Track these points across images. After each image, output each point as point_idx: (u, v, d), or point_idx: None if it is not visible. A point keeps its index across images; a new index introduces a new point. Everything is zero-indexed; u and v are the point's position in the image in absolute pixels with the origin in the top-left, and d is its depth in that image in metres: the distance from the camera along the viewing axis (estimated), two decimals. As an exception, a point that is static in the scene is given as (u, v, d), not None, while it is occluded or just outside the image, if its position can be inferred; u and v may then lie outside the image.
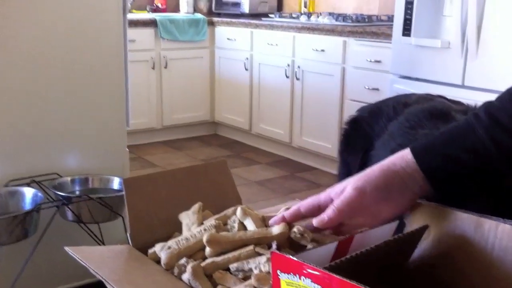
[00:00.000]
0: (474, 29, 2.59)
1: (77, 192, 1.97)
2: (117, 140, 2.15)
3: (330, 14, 4.03)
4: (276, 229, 0.83)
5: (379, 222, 0.81)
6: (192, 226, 0.91)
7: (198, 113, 4.64)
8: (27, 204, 1.83)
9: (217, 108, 4.68)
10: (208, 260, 0.83)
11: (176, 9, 4.97)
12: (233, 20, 4.40)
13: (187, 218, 0.94)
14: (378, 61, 3.29)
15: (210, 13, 4.97)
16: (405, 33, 2.94)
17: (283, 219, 0.84)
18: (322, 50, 3.64)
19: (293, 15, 4.23)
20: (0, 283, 1.91)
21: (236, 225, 0.88)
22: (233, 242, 0.83)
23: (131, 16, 4.17)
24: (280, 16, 4.27)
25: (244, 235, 0.84)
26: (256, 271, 0.77)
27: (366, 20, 3.72)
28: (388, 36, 3.15)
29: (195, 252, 0.86)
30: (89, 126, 2.08)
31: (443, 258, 0.82)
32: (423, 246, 0.83)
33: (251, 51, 4.26)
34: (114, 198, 1.84)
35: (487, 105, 0.83)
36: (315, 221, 0.81)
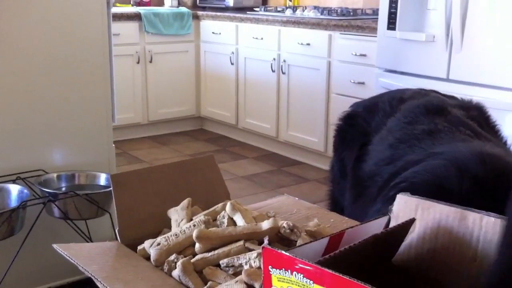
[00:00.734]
0: (459, 22, 2.61)
1: (64, 189, 1.96)
2: (103, 135, 2.14)
3: (315, 7, 4.03)
4: (266, 224, 0.83)
5: None
6: (181, 222, 0.91)
7: (184, 107, 4.62)
8: (13, 201, 1.81)
9: (203, 103, 4.66)
10: (198, 256, 0.83)
11: (161, 2, 4.94)
12: (218, 13, 4.38)
13: (176, 214, 0.93)
14: (364, 55, 3.30)
15: (194, 6, 4.95)
16: (390, 26, 2.95)
17: None
18: (308, 44, 3.64)
19: (278, 9, 4.22)
20: (-14, 281, 1.89)
21: (225, 220, 0.88)
22: (222, 237, 0.83)
23: (115, 9, 4.12)
24: (265, 10, 4.26)
25: (234, 231, 0.84)
26: (246, 267, 0.78)
27: (351, 13, 3.72)
28: (373, 30, 3.16)
29: (184, 248, 0.86)
30: (75, 122, 2.06)
31: (428, 252, 0.83)
32: (409, 239, 0.84)
33: (237, 45, 4.25)
34: (101, 194, 1.83)
35: None
36: None
